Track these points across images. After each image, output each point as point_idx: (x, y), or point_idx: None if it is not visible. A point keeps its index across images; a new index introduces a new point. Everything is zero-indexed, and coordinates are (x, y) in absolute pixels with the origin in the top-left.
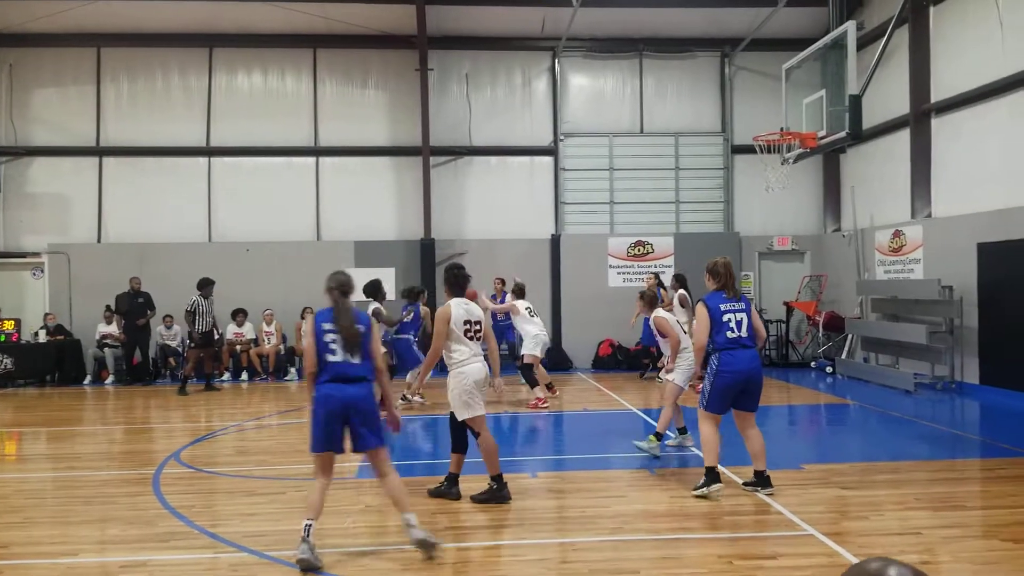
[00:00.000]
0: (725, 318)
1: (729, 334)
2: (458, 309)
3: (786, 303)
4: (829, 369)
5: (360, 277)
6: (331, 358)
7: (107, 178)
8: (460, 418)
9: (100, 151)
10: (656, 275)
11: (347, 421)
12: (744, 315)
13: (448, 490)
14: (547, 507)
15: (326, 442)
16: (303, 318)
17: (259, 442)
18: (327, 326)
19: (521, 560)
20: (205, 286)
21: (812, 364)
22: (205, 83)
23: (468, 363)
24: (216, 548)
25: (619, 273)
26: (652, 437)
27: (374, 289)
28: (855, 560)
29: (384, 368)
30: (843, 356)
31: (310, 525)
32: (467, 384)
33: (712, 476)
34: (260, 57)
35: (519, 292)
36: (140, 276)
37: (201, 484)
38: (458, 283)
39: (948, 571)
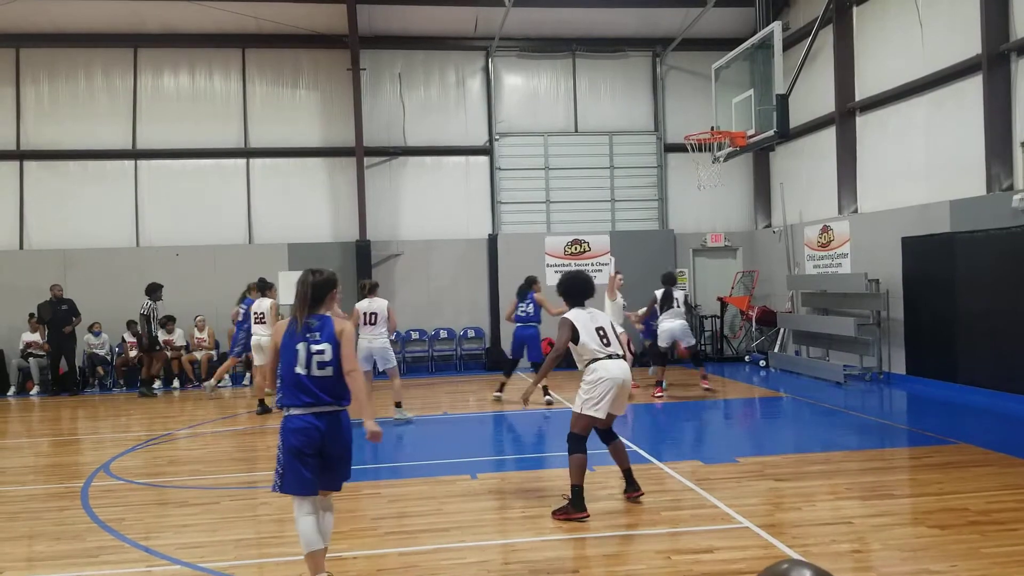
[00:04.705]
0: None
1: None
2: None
3: (720, 298)
4: (762, 363)
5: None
6: None
7: (28, 182)
8: None
9: (21, 155)
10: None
11: None
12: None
13: None
14: (488, 508)
15: None
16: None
17: (192, 451)
18: None
19: (462, 563)
20: (155, 291)
21: (746, 358)
22: (130, 84)
23: None
24: (149, 562)
25: (557, 272)
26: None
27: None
28: (789, 551)
29: None
30: (776, 349)
31: None
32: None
33: None
34: (187, 57)
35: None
36: (65, 282)
37: (132, 496)
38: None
39: (878, 559)
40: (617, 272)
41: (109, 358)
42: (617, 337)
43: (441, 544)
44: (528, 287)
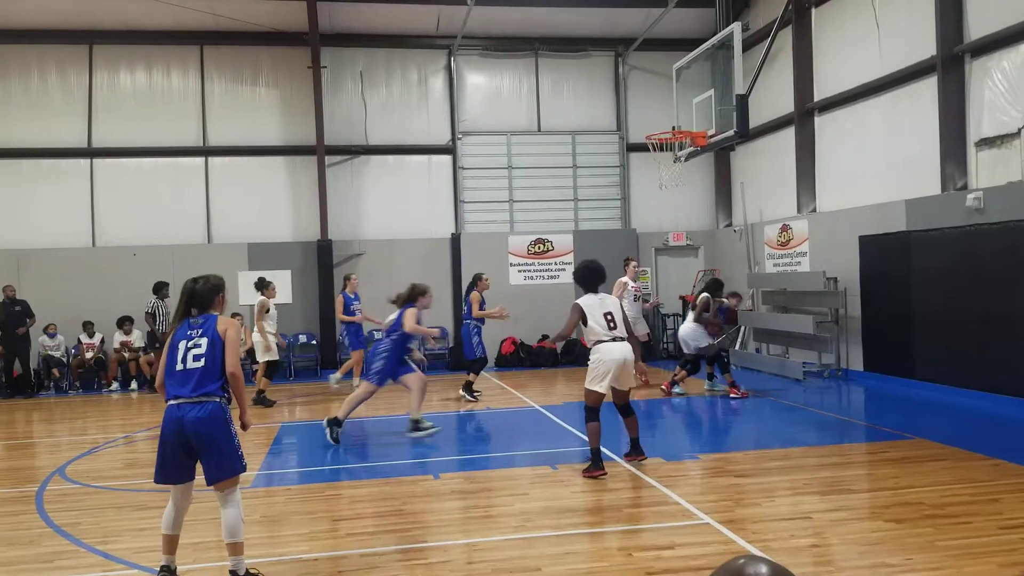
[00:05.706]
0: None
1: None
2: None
3: (682, 297)
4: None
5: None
6: None
7: None
8: None
9: None
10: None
11: None
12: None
13: None
14: (450, 508)
15: None
16: None
17: (149, 454)
18: None
19: (425, 563)
20: (160, 289)
21: None
22: (85, 81)
23: None
24: (106, 566)
25: (520, 271)
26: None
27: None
28: (749, 547)
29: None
30: (737, 347)
31: None
32: None
33: None
34: (144, 54)
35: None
36: (19, 283)
37: (88, 500)
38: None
39: (837, 553)
40: (631, 260)
41: (65, 360)
42: (625, 321)
43: (403, 545)
44: (470, 286)
